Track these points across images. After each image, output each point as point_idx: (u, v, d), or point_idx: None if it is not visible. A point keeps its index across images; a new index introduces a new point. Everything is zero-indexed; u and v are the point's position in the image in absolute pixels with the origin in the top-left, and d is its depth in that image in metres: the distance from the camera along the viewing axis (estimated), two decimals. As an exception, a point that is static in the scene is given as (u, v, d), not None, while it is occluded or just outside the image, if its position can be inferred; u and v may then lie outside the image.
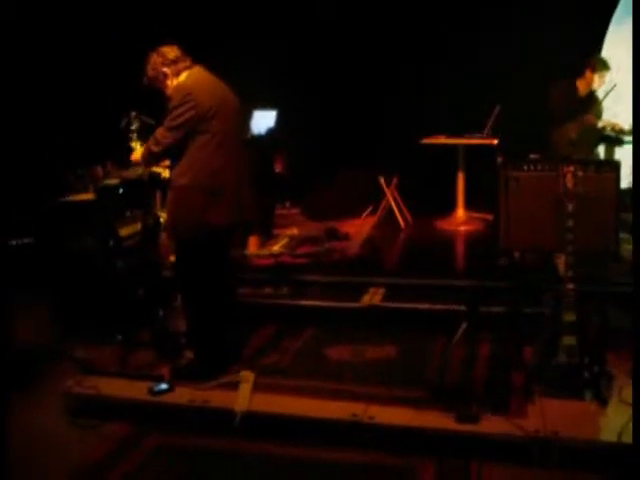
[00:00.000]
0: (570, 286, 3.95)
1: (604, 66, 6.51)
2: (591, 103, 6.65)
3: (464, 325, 4.17)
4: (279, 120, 7.77)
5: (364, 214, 7.97)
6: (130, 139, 4.75)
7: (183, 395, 4.21)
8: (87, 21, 7.06)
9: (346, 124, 8.04)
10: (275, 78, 8.03)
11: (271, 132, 7.65)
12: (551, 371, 3.97)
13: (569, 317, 3.95)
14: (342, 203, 7.89)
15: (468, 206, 7.79)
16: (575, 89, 6.59)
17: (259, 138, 7.50)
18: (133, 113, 4.79)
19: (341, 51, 8.17)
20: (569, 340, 3.94)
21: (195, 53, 4.46)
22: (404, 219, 7.79)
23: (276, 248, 6.55)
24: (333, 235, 7.02)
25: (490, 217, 7.38)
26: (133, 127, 4.76)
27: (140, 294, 5.18)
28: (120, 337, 4.83)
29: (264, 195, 6.91)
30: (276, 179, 7.83)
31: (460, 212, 7.75)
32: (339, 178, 8.01)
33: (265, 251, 6.48)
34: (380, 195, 7.84)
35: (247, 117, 7.39)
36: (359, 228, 7.48)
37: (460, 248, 7.12)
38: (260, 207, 6.40)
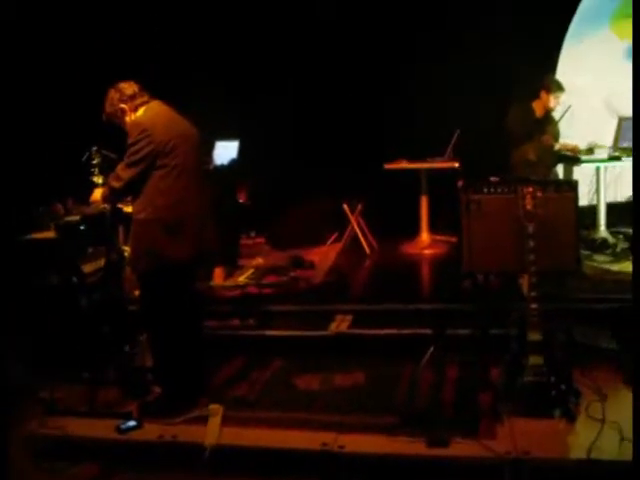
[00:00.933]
0: (534, 306, 3.99)
1: (558, 87, 6.64)
2: (548, 124, 6.77)
3: (431, 349, 4.19)
4: (241, 150, 7.77)
5: (329, 241, 7.99)
6: (92, 174, 4.74)
7: (152, 431, 4.16)
8: (50, 53, 7.02)
9: (307, 151, 8.07)
10: (236, 108, 8.05)
11: (233, 163, 7.65)
12: (519, 391, 4.00)
13: (534, 336, 3.98)
14: (307, 231, 7.89)
15: (432, 229, 7.85)
16: (531, 110, 6.72)
17: (221, 169, 7.49)
18: (94, 148, 4.78)
19: (300, 78, 8.22)
20: (535, 359, 3.97)
21: (156, 86, 4.48)
22: (369, 245, 7.82)
23: (242, 279, 6.53)
24: (298, 264, 7.02)
25: (454, 239, 7.45)
26: (95, 162, 4.75)
27: (105, 330, 5.10)
28: (86, 375, 4.74)
29: (228, 226, 6.92)
30: (240, 209, 7.81)
31: (424, 236, 7.80)
32: (303, 206, 8.00)
33: (231, 282, 6.46)
34: (345, 222, 7.87)
35: (209, 148, 7.41)
36: (324, 256, 7.49)
37: (425, 272, 7.16)
38: (224, 238, 6.42)
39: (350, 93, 8.13)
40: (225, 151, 7.72)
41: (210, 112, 7.52)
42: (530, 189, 4.06)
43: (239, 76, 8.25)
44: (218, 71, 8.13)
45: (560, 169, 7.31)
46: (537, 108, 6.74)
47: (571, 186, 4.42)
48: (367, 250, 7.75)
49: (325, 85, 8.16)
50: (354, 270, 7.23)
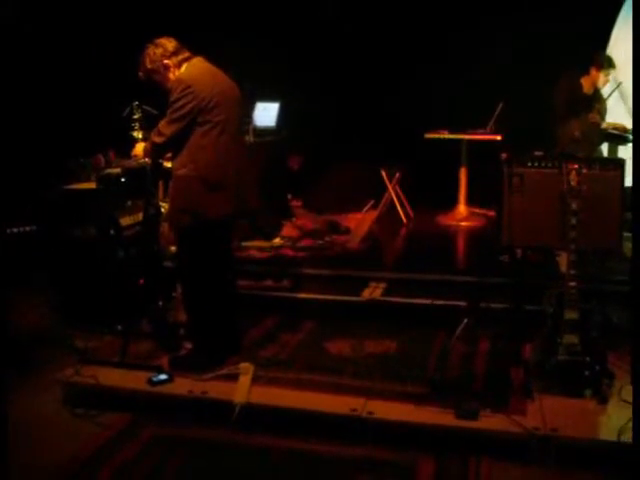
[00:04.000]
0: (572, 284, 3.93)
1: (609, 64, 6.48)
2: (595, 101, 6.62)
3: (465, 321, 4.16)
4: (281, 113, 7.73)
5: (365, 208, 7.95)
6: (132, 129, 4.74)
7: (182, 386, 4.20)
8: (91, 12, 7.02)
9: (349, 117, 8.03)
10: (278, 70, 7.99)
11: (280, 127, 7.61)
12: (551, 368, 3.96)
13: (571, 315, 3.93)
14: (344, 197, 7.86)
15: (470, 202, 7.77)
16: (579, 86, 6.56)
17: (264, 131, 7.46)
18: (135, 103, 4.77)
19: (345, 44, 8.15)
20: (570, 338, 3.93)
21: (195, 45, 4.45)
22: (405, 214, 7.78)
23: (277, 241, 6.53)
24: (334, 229, 7.00)
25: (492, 213, 7.37)
26: (135, 117, 4.74)
27: (140, 284, 5.14)
28: (120, 327, 4.81)
29: (276, 191, 6.97)
30: (287, 175, 7.80)
31: (462, 208, 7.73)
32: (341, 171, 7.98)
33: (266, 244, 6.46)
34: (382, 189, 7.82)
35: (249, 108, 7.39)
36: (360, 222, 7.46)
37: (461, 244, 7.11)
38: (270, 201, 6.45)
39: (397, 60, 8.04)
40: (265, 112, 7.68)
41: (252, 72, 7.53)
42: (575, 165, 3.97)
43: (283, 39, 8.16)
44: (264, 33, 8.07)
45: (604, 148, 7.16)
46: (585, 84, 6.58)
47: (618, 164, 4.31)
48: (403, 219, 7.71)
49: (372, 50, 8.09)
50: (389, 238, 7.21)
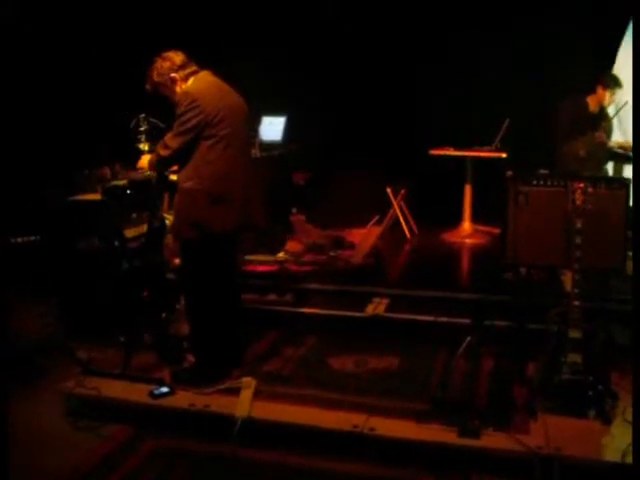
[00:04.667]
0: (576, 303, 3.93)
1: (616, 83, 6.49)
2: (601, 120, 6.62)
3: (468, 339, 4.15)
4: (288, 127, 7.74)
5: (370, 223, 7.94)
6: (138, 141, 4.75)
7: (184, 399, 4.20)
8: (99, 22, 7.07)
9: (355, 132, 8.03)
10: (284, 84, 8.02)
11: (286, 141, 7.63)
12: (555, 388, 3.95)
13: (575, 334, 3.92)
14: (348, 212, 7.85)
15: (474, 219, 7.77)
16: (585, 105, 6.57)
17: (272, 146, 7.48)
18: (142, 115, 4.79)
19: (351, 59, 8.16)
20: (574, 357, 3.91)
21: (202, 59, 4.47)
22: (410, 230, 7.77)
23: (281, 255, 6.52)
24: (338, 244, 6.99)
25: (496, 231, 7.36)
26: (142, 129, 4.76)
27: (144, 296, 5.14)
28: (123, 339, 4.80)
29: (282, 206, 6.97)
30: (295, 191, 7.80)
31: (466, 225, 7.73)
32: (346, 187, 7.98)
33: (270, 258, 6.46)
34: (387, 205, 7.82)
35: (255, 121, 7.41)
36: (364, 237, 7.45)
37: (465, 261, 7.10)
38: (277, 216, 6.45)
39: (401, 76, 8.07)
40: (271, 127, 7.69)
41: (259, 86, 7.54)
42: (581, 184, 3.98)
43: (286, 55, 8.19)
44: (271, 46, 8.10)
45: (610, 167, 7.15)
46: (592, 103, 6.58)
47: (623, 184, 4.32)
48: (408, 235, 7.70)
49: (377, 66, 8.11)
50: (393, 254, 7.20)
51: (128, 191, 4.41)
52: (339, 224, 7.73)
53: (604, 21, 7.42)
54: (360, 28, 8.19)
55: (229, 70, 4.54)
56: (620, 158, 7.02)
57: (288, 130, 7.74)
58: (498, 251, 6.01)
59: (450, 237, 7.67)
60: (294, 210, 7.66)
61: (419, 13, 7.99)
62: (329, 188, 8.08)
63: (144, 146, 4.73)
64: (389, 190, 7.74)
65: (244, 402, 4.08)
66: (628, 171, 7.06)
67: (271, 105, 7.65)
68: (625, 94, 6.59)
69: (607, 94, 6.48)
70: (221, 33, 8.01)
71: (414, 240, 7.70)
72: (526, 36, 7.35)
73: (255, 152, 7.16)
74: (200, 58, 4.46)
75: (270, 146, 7.46)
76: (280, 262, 6.35)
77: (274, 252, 6.54)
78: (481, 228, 7.76)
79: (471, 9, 7.75)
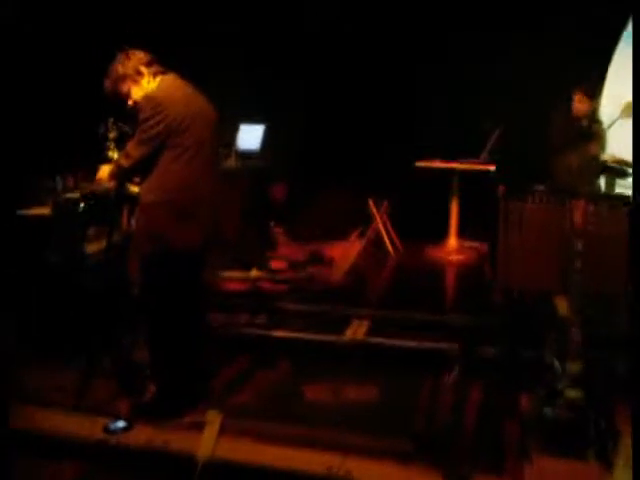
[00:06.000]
0: (575, 332, 3.56)
1: (581, 90, 6.13)
2: (594, 132, 6.30)
3: (456, 370, 3.78)
4: (266, 136, 7.38)
5: (351, 237, 7.58)
6: (107, 148, 4.38)
7: (142, 435, 3.78)
8: (63, 25, 6.64)
9: (337, 143, 7.69)
10: (263, 92, 7.68)
11: (265, 151, 7.27)
12: (551, 425, 3.58)
13: (574, 367, 3.56)
14: (328, 225, 7.51)
15: (461, 234, 7.42)
16: (575, 117, 6.24)
17: (250, 155, 7.12)
18: (111, 120, 4.41)
19: (333, 68, 7.84)
20: (573, 393, 3.55)
21: (175, 63, 4.10)
22: (393, 246, 7.43)
23: (255, 272, 6.13)
24: (317, 259, 6.62)
25: (483, 247, 7.03)
26: (111, 135, 4.38)
27: (106, 315, 4.74)
28: (81, 364, 4.38)
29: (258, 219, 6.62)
30: (273, 205, 7.44)
31: (452, 240, 7.41)
32: (326, 199, 7.63)
33: (244, 274, 6.06)
34: (369, 218, 7.47)
35: (233, 130, 7.07)
36: (345, 253, 7.09)
37: (451, 280, 6.77)
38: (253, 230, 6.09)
39: (385, 85, 7.76)
40: (249, 135, 7.34)
41: (235, 94, 7.21)
42: (581, 202, 3.63)
43: (269, 60, 7.85)
44: (249, 52, 7.76)
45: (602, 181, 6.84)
46: (580, 114, 6.24)
47: (626, 203, 3.96)
48: (391, 251, 7.36)
49: (358, 75, 7.80)
50: (375, 271, 6.86)
51: (82, 205, 4.01)
52: (319, 238, 7.37)
53: (601, 29, 7.14)
54: (342, 37, 7.86)
55: (204, 75, 4.17)
56: (613, 172, 6.71)
57: (267, 139, 7.38)
58: (487, 271, 5.71)
59: (435, 253, 7.34)
60: (272, 224, 7.28)
61: (403, 16, 7.67)
62: (309, 200, 7.71)
63: (113, 153, 4.35)
64: (371, 203, 7.39)
65: (208, 440, 3.68)
66: (620, 186, 6.78)
67: (249, 113, 7.31)
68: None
69: (576, 99, 6.14)
70: (197, 36, 7.62)
71: (397, 256, 7.35)
72: (518, 43, 7.03)
73: (231, 162, 6.82)
74: (173, 62, 4.09)
75: (248, 155, 7.11)
76: (254, 280, 5.95)
77: (249, 269, 6.15)
78: (468, 244, 7.43)
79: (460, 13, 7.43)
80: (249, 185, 6.90)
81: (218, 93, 4.18)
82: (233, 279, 5.98)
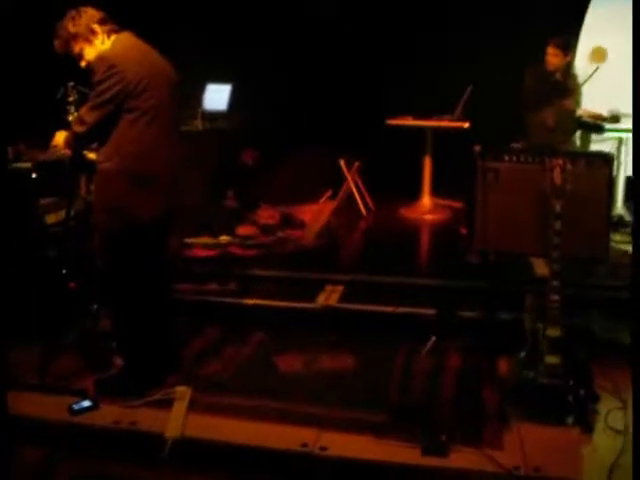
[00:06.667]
0: (555, 297, 3.45)
1: (554, 43, 5.94)
2: (569, 87, 6.14)
3: (433, 339, 3.66)
4: (233, 96, 7.12)
5: (322, 199, 7.39)
6: (67, 112, 4.15)
7: (108, 414, 3.64)
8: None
9: (305, 101, 7.44)
10: (230, 50, 7.40)
11: (232, 111, 7.02)
12: (530, 392, 3.48)
13: (553, 332, 3.45)
14: (298, 187, 7.28)
15: (435, 192, 7.27)
16: (549, 72, 6.06)
17: (217, 116, 6.88)
18: (71, 84, 4.18)
19: (302, 23, 7.54)
20: (552, 359, 3.45)
21: (138, 22, 3.86)
22: (365, 206, 7.25)
23: (224, 237, 5.92)
24: (288, 222, 6.44)
25: (457, 204, 6.90)
26: (70, 99, 4.15)
27: (71, 287, 4.54)
28: (46, 338, 4.19)
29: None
30: (239, 170, 7.19)
31: (426, 199, 7.24)
32: (296, 160, 7.38)
33: (212, 240, 5.86)
34: (340, 179, 7.28)
35: (198, 91, 6.82)
36: (316, 215, 6.90)
37: (426, 240, 6.62)
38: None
39: (354, 41, 7.49)
40: (216, 95, 7.08)
41: (201, 53, 6.94)
42: (560, 161, 3.48)
43: (234, 19, 7.54)
44: (211, 14, 7.45)
45: (577, 137, 6.71)
46: (553, 68, 6.05)
47: (605, 160, 3.80)
48: (363, 211, 7.18)
49: (329, 29, 7.49)
50: (348, 233, 6.69)
51: (33, 175, 3.78)
52: (290, 200, 7.17)
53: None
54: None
55: (169, 32, 3.92)
56: (588, 128, 6.59)
57: (234, 99, 7.13)
58: (463, 232, 5.57)
59: (409, 213, 7.17)
60: (229, 193, 7.02)
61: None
62: (278, 161, 7.48)
63: (73, 118, 4.11)
64: (342, 163, 7.20)
65: (176, 418, 3.54)
66: (595, 142, 6.68)
67: (216, 72, 7.04)
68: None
69: (549, 52, 5.95)
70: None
71: (370, 217, 7.18)
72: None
73: (198, 124, 6.58)
74: (135, 19, 3.85)
75: (215, 116, 6.87)
76: (223, 245, 5.76)
77: (217, 235, 5.95)
78: (442, 202, 7.28)
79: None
80: (216, 148, 6.66)
81: (185, 52, 3.96)
82: (201, 245, 5.78)
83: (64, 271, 4.54)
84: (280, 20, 7.57)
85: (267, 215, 6.70)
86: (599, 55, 6.94)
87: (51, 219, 4.59)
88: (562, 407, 3.42)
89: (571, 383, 3.42)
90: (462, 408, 3.64)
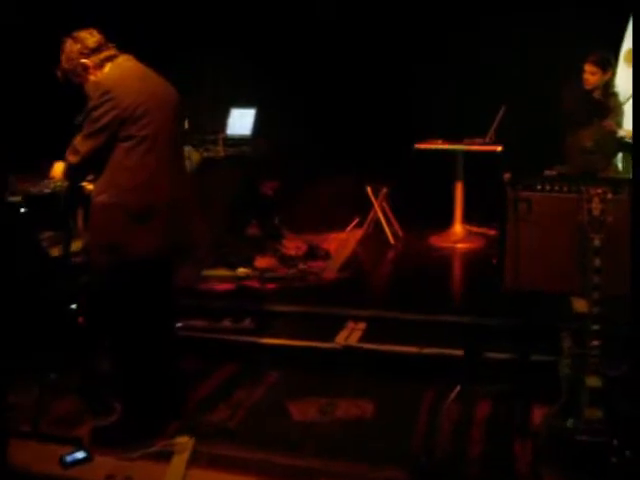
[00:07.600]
0: (595, 343, 3.07)
1: (592, 60, 5.57)
2: (610, 107, 5.75)
3: (458, 388, 3.30)
4: (258, 120, 6.87)
5: (349, 227, 7.08)
6: None
7: (102, 467, 3.35)
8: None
9: (331, 126, 7.15)
10: (255, 76, 7.20)
11: (256, 136, 6.78)
12: (568, 451, 3.09)
13: (594, 382, 3.06)
14: (324, 215, 7.00)
15: (467, 219, 6.90)
16: (587, 91, 5.69)
17: (240, 142, 6.64)
18: None
19: (328, 46, 7.30)
20: (593, 412, 3.06)
21: (167, 46, 3.63)
22: (394, 234, 6.92)
23: (242, 270, 5.62)
24: (312, 254, 6.12)
25: (492, 232, 6.53)
26: None
27: (80, 322, 4.30)
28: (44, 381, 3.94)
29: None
30: (258, 201, 6.93)
31: (458, 227, 6.87)
32: (322, 187, 7.09)
33: (229, 273, 5.57)
34: (368, 207, 6.96)
35: (223, 115, 6.63)
36: (342, 244, 6.60)
37: (457, 271, 6.24)
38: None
39: (381, 62, 7.21)
40: (241, 120, 6.86)
41: (226, 78, 6.75)
42: (599, 190, 3.11)
43: (260, 45, 7.34)
44: (237, 38, 7.25)
45: (619, 159, 6.30)
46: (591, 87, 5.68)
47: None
48: (391, 240, 6.84)
49: (356, 52, 7.24)
50: (374, 264, 6.35)
51: (22, 209, 3.53)
52: (315, 229, 6.87)
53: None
54: (339, 16, 7.32)
55: (194, 58, 3.68)
56: (631, 149, 6.17)
57: (258, 124, 6.88)
58: (494, 262, 5.19)
59: (440, 242, 6.80)
60: (253, 221, 6.75)
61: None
62: (303, 189, 7.19)
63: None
64: (369, 189, 6.88)
65: (175, 473, 3.24)
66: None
67: (241, 97, 6.84)
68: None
69: (586, 70, 5.58)
70: (188, 19, 7.10)
71: (398, 245, 6.84)
72: (525, 17, 6.46)
73: (219, 150, 6.34)
74: (165, 46, 3.62)
75: (238, 142, 6.63)
76: (240, 279, 5.46)
77: (235, 267, 5.65)
78: (474, 229, 6.92)
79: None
80: (239, 175, 6.42)
81: (210, 77, 3.72)
82: (218, 279, 5.49)
83: (73, 306, 4.35)
84: (307, 45, 7.34)
85: (293, 246, 6.41)
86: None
87: (55, 252, 4.36)
88: (604, 470, 3.03)
89: (615, 442, 3.02)
90: (491, 466, 3.27)
